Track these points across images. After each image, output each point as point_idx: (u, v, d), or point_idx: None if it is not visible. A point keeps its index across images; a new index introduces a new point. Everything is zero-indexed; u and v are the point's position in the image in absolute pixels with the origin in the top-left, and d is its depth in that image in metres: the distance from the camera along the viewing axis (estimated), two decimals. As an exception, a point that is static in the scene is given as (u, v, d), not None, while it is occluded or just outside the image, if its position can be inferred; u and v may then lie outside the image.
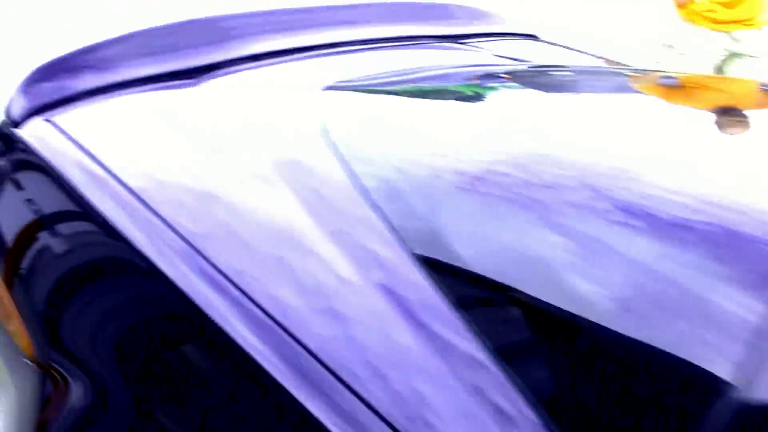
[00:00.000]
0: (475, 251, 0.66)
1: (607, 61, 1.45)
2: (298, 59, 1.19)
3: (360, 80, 1.10)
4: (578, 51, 1.47)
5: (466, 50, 1.32)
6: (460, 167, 0.78)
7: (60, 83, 1.07)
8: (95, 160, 0.84)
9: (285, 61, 1.18)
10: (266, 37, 1.24)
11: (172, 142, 0.89)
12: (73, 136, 0.91)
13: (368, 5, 1.42)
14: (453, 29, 1.39)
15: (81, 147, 0.88)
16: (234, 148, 0.85)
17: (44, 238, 0.91)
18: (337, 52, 1.22)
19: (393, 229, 0.67)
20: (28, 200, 0.96)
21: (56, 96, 1.04)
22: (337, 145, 0.82)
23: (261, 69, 1.15)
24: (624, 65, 1.44)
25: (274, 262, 0.66)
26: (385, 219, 0.69)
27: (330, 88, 1.02)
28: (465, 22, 1.44)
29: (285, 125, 0.92)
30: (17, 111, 1.02)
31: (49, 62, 1.11)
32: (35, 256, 0.90)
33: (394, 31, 1.31)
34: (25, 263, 0.90)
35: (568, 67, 1.30)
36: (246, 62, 1.16)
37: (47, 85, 1.07)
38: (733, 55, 2.58)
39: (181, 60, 1.15)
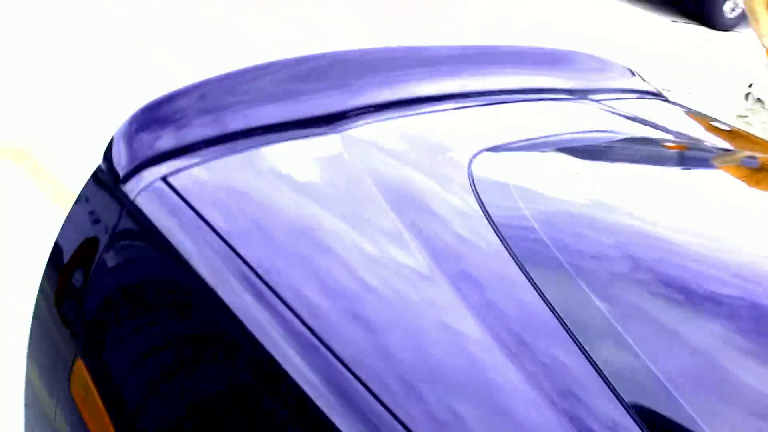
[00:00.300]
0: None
1: (728, 128, 1.42)
2: (427, 112, 1.06)
3: (507, 146, 1.01)
4: (701, 114, 1.42)
5: (591, 108, 1.26)
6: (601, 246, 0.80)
7: (170, 130, 0.90)
8: (223, 239, 0.72)
9: (414, 114, 1.04)
10: (392, 84, 1.10)
11: (310, 212, 0.78)
12: (197, 207, 0.77)
13: (496, 49, 1.34)
14: (579, 82, 1.31)
15: (209, 224, 0.74)
16: (376, 211, 0.78)
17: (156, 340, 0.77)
18: (466, 106, 1.10)
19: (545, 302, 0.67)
20: (141, 279, 0.81)
21: (167, 147, 0.87)
22: (488, 208, 0.80)
23: (393, 121, 1.01)
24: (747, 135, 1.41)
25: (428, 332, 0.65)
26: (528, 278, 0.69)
27: (480, 152, 0.94)
28: (590, 75, 1.37)
29: (433, 190, 0.85)
30: (121, 162, 0.85)
31: (153, 103, 0.95)
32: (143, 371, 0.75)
33: (524, 82, 1.24)
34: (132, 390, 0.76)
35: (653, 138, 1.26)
36: (373, 112, 1.02)
37: (155, 134, 0.89)
38: None
39: (305, 106, 0.99)
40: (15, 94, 3.36)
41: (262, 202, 0.80)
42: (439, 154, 0.94)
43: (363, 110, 1.00)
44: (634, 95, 1.36)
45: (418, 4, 5.48)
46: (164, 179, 0.80)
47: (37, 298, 0.93)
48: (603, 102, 1.26)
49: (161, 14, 4.56)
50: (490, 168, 0.91)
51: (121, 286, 0.81)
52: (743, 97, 2.64)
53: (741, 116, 2.62)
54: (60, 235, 0.91)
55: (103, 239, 0.83)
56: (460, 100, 1.10)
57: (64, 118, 3.19)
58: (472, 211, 0.80)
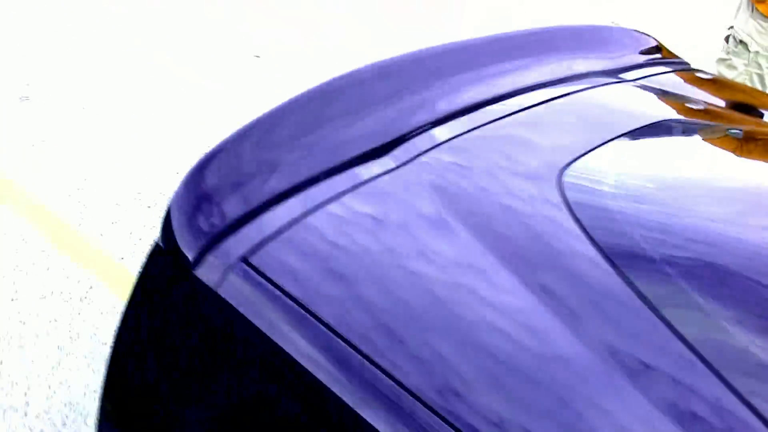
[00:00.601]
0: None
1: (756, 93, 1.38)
2: (484, 124, 0.95)
3: (586, 153, 0.92)
4: (732, 82, 1.40)
5: (637, 91, 1.18)
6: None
7: (231, 192, 0.77)
8: (332, 330, 0.64)
9: (475, 127, 0.94)
10: (442, 95, 0.99)
11: (410, 277, 0.69)
12: (292, 291, 0.67)
13: (522, 36, 1.23)
14: (614, 61, 1.23)
15: (312, 312, 0.65)
16: (479, 260, 0.71)
17: None
18: (521, 108, 1.00)
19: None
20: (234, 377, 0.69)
21: (234, 214, 0.74)
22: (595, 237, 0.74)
23: (460, 139, 0.90)
24: None
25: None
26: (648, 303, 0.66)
27: (566, 168, 0.86)
28: (619, 51, 1.29)
29: (527, 217, 0.77)
30: (187, 242, 0.72)
31: (204, 161, 0.81)
32: None
33: (562, 69, 1.14)
34: None
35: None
36: (431, 127, 0.92)
37: (217, 199, 0.77)
38: None
39: (366, 135, 0.88)
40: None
41: (356, 270, 0.70)
42: (518, 172, 0.85)
43: (423, 128, 0.91)
44: (666, 68, 1.30)
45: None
46: (245, 260, 0.69)
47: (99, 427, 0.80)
48: (643, 80, 1.19)
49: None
50: (580, 180, 0.84)
51: (223, 406, 0.69)
52: (723, 39, 2.61)
53: (723, 59, 2.60)
54: (120, 339, 0.77)
55: (183, 343, 0.72)
56: (509, 101, 1.01)
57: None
58: (578, 239, 0.73)
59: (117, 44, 4.04)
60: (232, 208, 0.75)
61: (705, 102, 1.22)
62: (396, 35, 4.64)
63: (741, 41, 2.54)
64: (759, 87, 2.53)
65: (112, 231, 2.45)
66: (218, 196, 0.78)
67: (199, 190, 0.78)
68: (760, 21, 2.47)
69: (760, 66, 2.52)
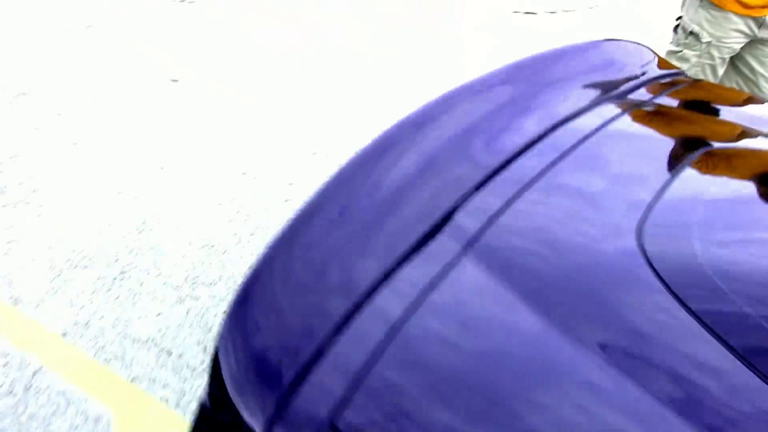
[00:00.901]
0: None
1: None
2: (530, 188, 0.85)
3: (652, 207, 0.82)
4: (730, 89, 1.38)
5: (656, 111, 1.11)
6: None
7: (289, 335, 0.62)
8: None
9: (520, 189, 0.84)
10: (472, 155, 0.89)
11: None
12: None
13: (523, 65, 1.14)
14: (623, 80, 1.16)
15: None
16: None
17: None
18: (560, 156, 0.90)
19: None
20: None
21: (301, 361, 0.59)
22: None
23: (509, 212, 0.81)
24: None
25: None
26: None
27: (642, 226, 0.77)
28: (627, 67, 1.22)
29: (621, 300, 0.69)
30: (251, 409, 0.57)
31: (244, 294, 0.66)
32: None
33: (581, 98, 1.06)
34: None
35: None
36: (469, 200, 0.82)
37: (275, 343, 0.61)
38: (755, 41, 2.44)
39: (414, 224, 0.76)
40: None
41: (475, 414, 0.60)
42: (591, 239, 0.76)
43: (467, 200, 0.81)
44: (669, 80, 1.25)
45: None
46: (333, 426, 0.55)
47: None
48: (655, 101, 1.14)
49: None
50: (659, 237, 0.75)
51: None
52: (672, 30, 2.53)
53: (674, 51, 2.53)
54: None
55: None
56: (538, 149, 0.90)
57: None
58: (676, 313, 0.67)
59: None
60: (297, 351, 0.59)
61: (724, 114, 1.19)
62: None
63: (691, 32, 2.47)
64: (711, 79, 2.47)
65: (50, 301, 2.12)
66: (274, 340, 0.61)
67: (249, 335, 0.61)
68: (710, 10, 2.40)
69: (712, 57, 2.45)
